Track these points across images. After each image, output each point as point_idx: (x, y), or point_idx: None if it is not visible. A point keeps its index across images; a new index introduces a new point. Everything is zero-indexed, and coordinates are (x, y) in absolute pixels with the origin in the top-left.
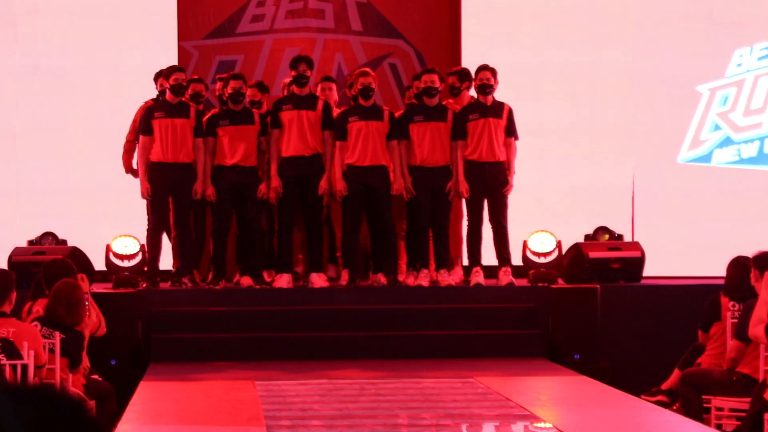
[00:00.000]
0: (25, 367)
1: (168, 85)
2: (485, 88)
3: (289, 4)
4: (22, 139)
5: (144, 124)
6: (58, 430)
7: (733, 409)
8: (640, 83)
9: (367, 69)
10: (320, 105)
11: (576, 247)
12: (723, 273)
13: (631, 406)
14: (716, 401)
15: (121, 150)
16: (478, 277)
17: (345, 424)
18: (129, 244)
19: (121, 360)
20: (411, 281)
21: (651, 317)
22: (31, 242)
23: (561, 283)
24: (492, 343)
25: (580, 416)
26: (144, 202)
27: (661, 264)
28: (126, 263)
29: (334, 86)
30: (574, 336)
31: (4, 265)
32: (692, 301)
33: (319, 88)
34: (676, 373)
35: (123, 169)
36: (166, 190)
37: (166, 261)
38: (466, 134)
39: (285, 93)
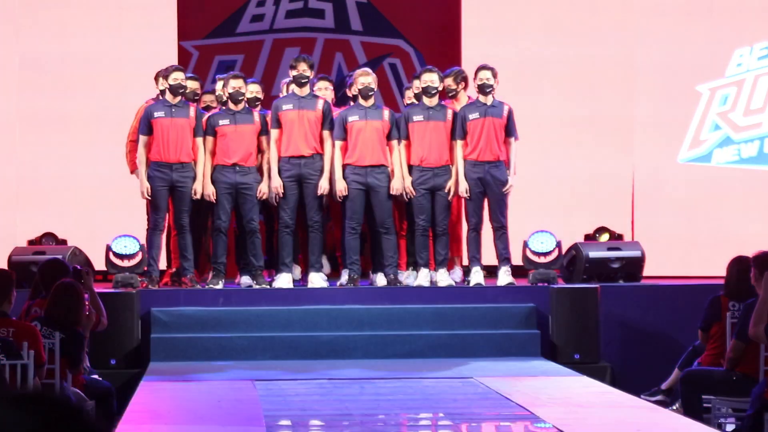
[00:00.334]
0: (25, 367)
1: (167, 85)
2: (485, 88)
3: (289, 4)
4: (22, 140)
5: (144, 123)
6: None
7: (733, 408)
8: (640, 83)
9: (367, 69)
10: (320, 105)
11: (576, 247)
12: (723, 273)
13: (631, 406)
14: (716, 401)
15: (120, 151)
16: (478, 277)
17: (345, 424)
18: (129, 244)
19: (120, 360)
20: (411, 281)
21: (651, 317)
22: (31, 242)
23: (561, 283)
24: (492, 343)
25: (580, 416)
26: (144, 202)
27: (661, 264)
28: (126, 263)
29: (330, 86)
30: (574, 336)
31: (4, 265)
32: (692, 301)
33: (315, 87)
34: (676, 373)
35: (122, 169)
36: (166, 190)
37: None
38: (466, 134)
39: (285, 93)
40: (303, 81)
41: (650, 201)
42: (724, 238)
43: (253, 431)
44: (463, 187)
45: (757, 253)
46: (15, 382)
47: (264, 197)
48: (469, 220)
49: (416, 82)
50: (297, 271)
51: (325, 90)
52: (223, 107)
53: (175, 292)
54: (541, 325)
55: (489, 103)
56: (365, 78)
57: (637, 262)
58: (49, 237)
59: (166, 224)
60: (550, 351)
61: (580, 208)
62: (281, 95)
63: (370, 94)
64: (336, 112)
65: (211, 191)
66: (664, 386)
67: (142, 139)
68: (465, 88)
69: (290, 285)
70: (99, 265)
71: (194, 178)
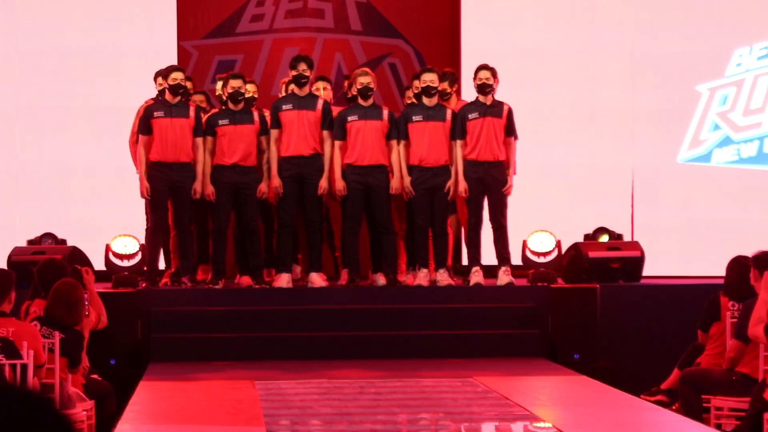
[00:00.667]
0: (24, 367)
1: (167, 85)
2: (485, 88)
3: (289, 4)
4: (22, 140)
5: (143, 123)
6: (24, 430)
7: (732, 408)
8: (640, 82)
9: (367, 69)
10: (320, 105)
11: (575, 247)
12: (723, 273)
13: (631, 406)
14: (716, 401)
15: (119, 151)
16: (477, 277)
17: (344, 424)
18: (129, 243)
19: (120, 360)
20: (410, 281)
21: (651, 317)
22: (30, 242)
23: (560, 282)
24: (492, 343)
25: (580, 416)
26: (143, 201)
27: (661, 264)
28: (126, 263)
29: (329, 86)
30: (574, 336)
31: (4, 265)
32: (692, 301)
33: (313, 88)
34: (675, 373)
35: (121, 169)
36: (166, 190)
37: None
38: (465, 134)
39: (284, 93)
40: (303, 81)
41: (650, 201)
42: (723, 238)
43: (253, 431)
44: (463, 187)
45: (756, 253)
46: (15, 381)
47: (264, 197)
48: (469, 220)
49: (415, 82)
50: (296, 270)
51: (323, 90)
52: (223, 107)
53: (174, 292)
54: (541, 325)
55: (488, 103)
56: (364, 78)
57: (637, 262)
58: (49, 237)
59: (166, 224)
60: (550, 351)
61: (580, 207)
62: (280, 95)
63: (369, 93)
64: (335, 112)
65: (210, 191)
66: (663, 386)
67: (142, 139)
68: (458, 90)
69: (290, 285)
70: (99, 265)
71: (194, 178)
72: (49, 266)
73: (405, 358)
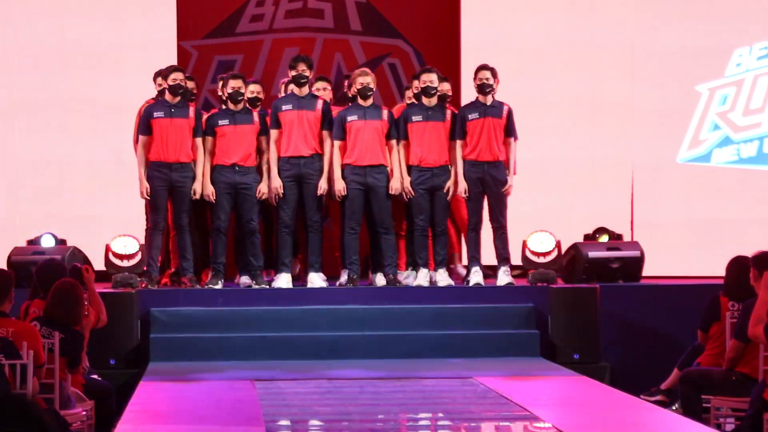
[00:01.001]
0: (24, 367)
1: (167, 85)
2: (485, 88)
3: (289, 4)
4: (21, 140)
5: (143, 123)
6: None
7: (732, 408)
8: (640, 82)
9: (366, 69)
10: (320, 105)
11: (575, 247)
12: (723, 273)
13: (631, 406)
14: (716, 401)
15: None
16: (477, 277)
17: (344, 424)
18: (128, 244)
19: (120, 360)
20: (410, 281)
21: (651, 317)
22: (30, 242)
23: (560, 283)
24: (492, 343)
25: (580, 416)
26: (143, 201)
27: (661, 264)
28: (125, 263)
29: (329, 86)
30: (574, 336)
31: (4, 265)
32: (692, 301)
33: (314, 88)
34: (675, 373)
35: (121, 169)
36: (165, 190)
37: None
38: (465, 134)
39: (284, 93)
40: (302, 81)
41: (650, 201)
42: (723, 238)
43: (253, 431)
44: (462, 188)
45: (756, 253)
46: (14, 381)
47: (263, 197)
48: (469, 220)
49: (415, 82)
50: (296, 269)
51: (323, 90)
52: (223, 107)
53: (174, 292)
54: (541, 325)
55: (488, 104)
56: (364, 78)
57: (637, 262)
58: (49, 237)
59: (165, 224)
60: (550, 351)
61: (580, 208)
62: (280, 95)
63: (369, 94)
64: (335, 112)
65: (210, 191)
66: (663, 386)
67: (142, 139)
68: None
69: (290, 285)
70: (98, 265)
71: (194, 178)
72: (48, 266)
73: (405, 358)
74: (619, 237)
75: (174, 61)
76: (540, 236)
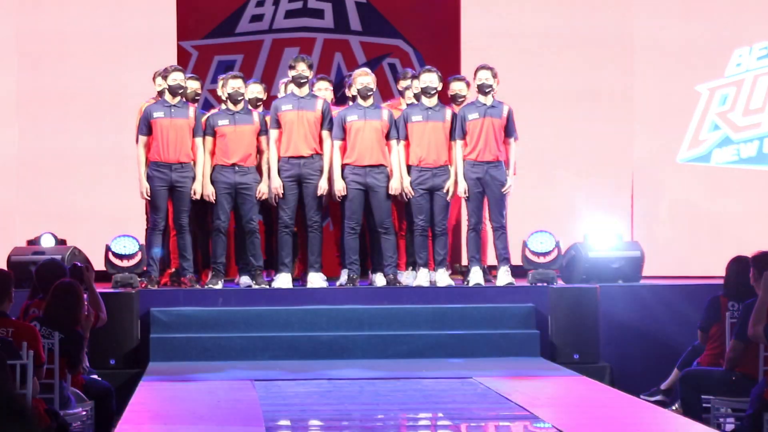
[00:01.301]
0: (24, 367)
1: (167, 85)
2: (484, 88)
3: (289, 4)
4: (21, 139)
5: (143, 124)
6: None
7: (732, 408)
8: (640, 83)
9: (366, 69)
10: (320, 105)
11: (575, 247)
12: (722, 273)
13: (631, 406)
14: (716, 401)
15: (119, 150)
16: (477, 277)
17: (344, 424)
18: (128, 244)
19: (120, 360)
20: (410, 281)
21: (651, 317)
22: (30, 242)
23: (560, 283)
24: (491, 343)
25: (580, 416)
26: (143, 202)
27: (661, 264)
28: (125, 263)
29: (330, 86)
30: (574, 336)
31: (3, 265)
32: (692, 301)
33: (314, 88)
34: (675, 373)
35: (121, 169)
36: (166, 190)
37: (165, 261)
38: (465, 134)
39: (284, 93)
40: (302, 81)
41: (650, 201)
42: (723, 238)
43: (253, 431)
44: (462, 188)
45: (756, 253)
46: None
47: (263, 197)
48: (469, 220)
49: (415, 83)
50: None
51: (324, 90)
52: (223, 107)
53: (174, 292)
54: (541, 325)
55: (489, 104)
56: (364, 78)
57: (637, 262)
58: (49, 237)
59: (165, 224)
60: (550, 351)
61: (580, 207)
62: (279, 95)
63: (369, 94)
64: (335, 112)
65: (210, 191)
66: (663, 386)
67: (142, 139)
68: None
69: (290, 285)
70: (98, 265)
71: (194, 179)
72: (48, 266)
73: (405, 358)
74: (619, 237)
75: (174, 61)
76: (540, 236)
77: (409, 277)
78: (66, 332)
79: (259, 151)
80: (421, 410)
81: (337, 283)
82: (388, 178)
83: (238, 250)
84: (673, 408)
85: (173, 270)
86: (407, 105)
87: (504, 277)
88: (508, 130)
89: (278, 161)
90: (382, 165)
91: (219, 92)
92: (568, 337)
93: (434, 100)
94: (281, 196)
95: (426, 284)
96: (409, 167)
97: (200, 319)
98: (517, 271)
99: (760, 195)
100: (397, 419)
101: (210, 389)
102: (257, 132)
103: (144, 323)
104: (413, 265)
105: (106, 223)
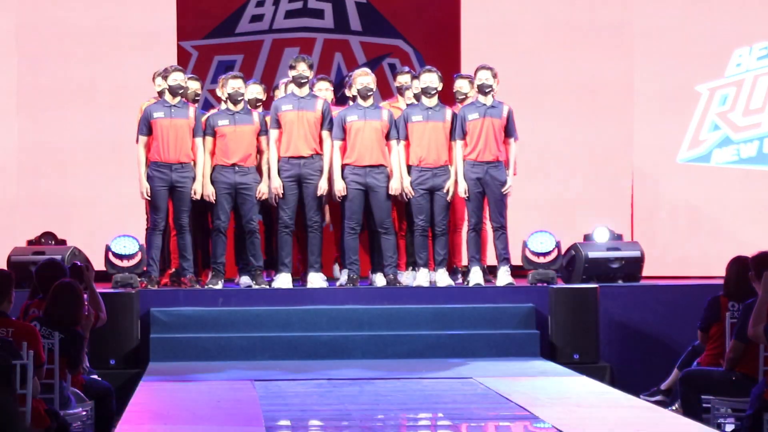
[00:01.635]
0: (24, 367)
1: (167, 86)
2: (484, 88)
3: (289, 4)
4: (21, 140)
5: (143, 124)
6: None
7: (732, 408)
8: (640, 83)
9: (366, 69)
10: (320, 105)
11: (575, 247)
12: (722, 273)
13: (631, 406)
14: (716, 401)
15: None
16: (477, 277)
17: (344, 424)
18: (128, 244)
19: (120, 360)
20: (410, 281)
21: (650, 317)
22: (30, 242)
23: (560, 283)
24: (491, 343)
25: (580, 416)
26: (143, 202)
27: (661, 264)
28: (125, 263)
29: (330, 86)
30: (574, 336)
31: (3, 265)
32: (692, 301)
33: (315, 88)
34: (675, 373)
35: (121, 169)
36: (166, 190)
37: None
38: (465, 134)
39: (284, 93)
40: (302, 81)
41: (650, 201)
42: (723, 238)
43: (253, 431)
44: (462, 188)
45: (756, 253)
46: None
47: (263, 198)
48: (469, 220)
49: (415, 83)
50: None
51: (325, 91)
52: (223, 107)
53: (174, 292)
54: (541, 325)
55: (489, 104)
56: (364, 78)
57: (637, 262)
58: (49, 237)
59: (166, 224)
60: (550, 351)
61: (580, 207)
62: (277, 95)
63: (369, 94)
64: (335, 112)
65: (210, 191)
66: (663, 386)
67: (142, 139)
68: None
69: (290, 285)
70: (98, 265)
71: (194, 179)
72: (48, 266)
73: (404, 358)
74: (619, 237)
75: (174, 61)
76: (540, 236)
77: (409, 278)
78: (66, 332)
79: (259, 152)
80: (421, 410)
81: (337, 283)
82: (388, 178)
83: (238, 251)
84: (673, 408)
85: (173, 270)
86: (407, 105)
87: (504, 277)
88: (508, 130)
89: (278, 161)
90: (382, 165)
91: (219, 92)
92: (568, 337)
93: (434, 100)
94: (281, 196)
95: (426, 284)
96: (409, 167)
97: (200, 319)
98: (517, 271)
99: (760, 195)
100: (397, 419)
101: (210, 389)
102: (257, 132)
103: (144, 323)
104: (413, 265)
105: (106, 223)
